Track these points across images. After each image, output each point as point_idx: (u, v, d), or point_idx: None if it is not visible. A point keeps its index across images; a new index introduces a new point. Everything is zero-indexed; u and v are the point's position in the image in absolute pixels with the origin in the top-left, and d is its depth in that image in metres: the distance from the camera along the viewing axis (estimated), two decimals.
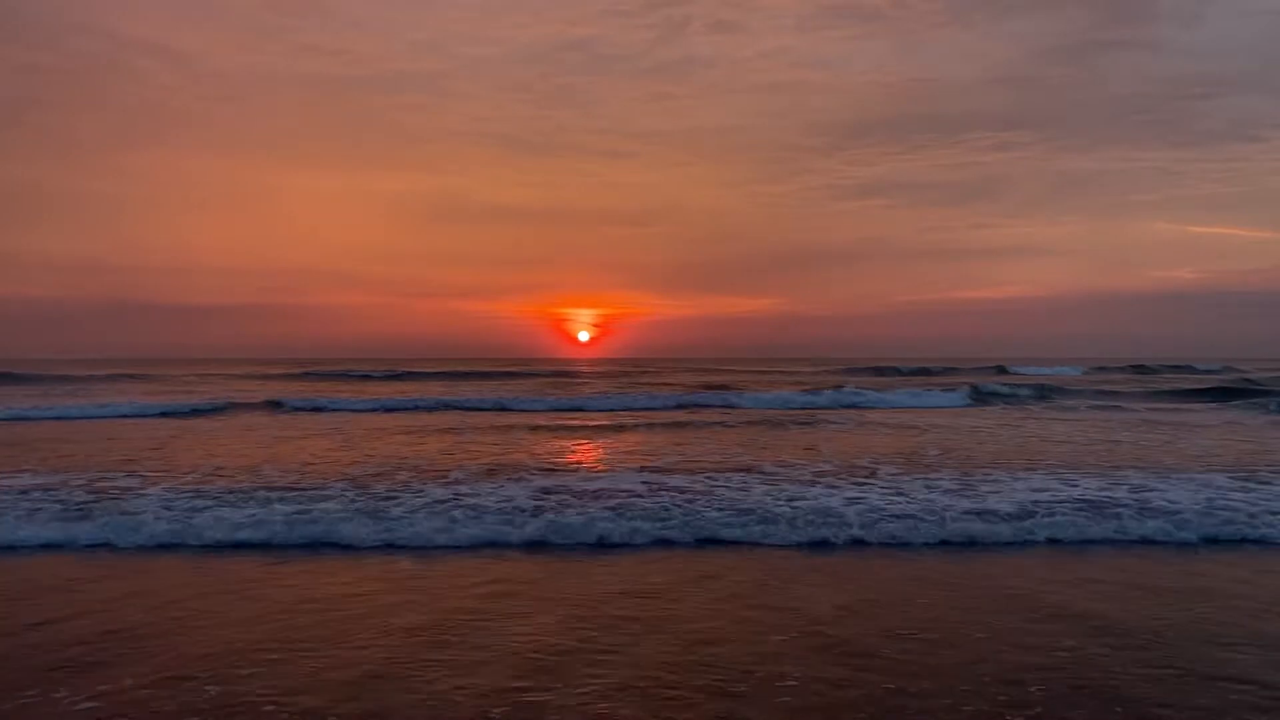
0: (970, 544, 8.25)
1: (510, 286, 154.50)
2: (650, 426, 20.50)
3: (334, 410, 25.84)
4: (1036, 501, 9.68)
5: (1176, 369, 62.77)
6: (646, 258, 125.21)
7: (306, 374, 51.91)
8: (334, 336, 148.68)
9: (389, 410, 25.61)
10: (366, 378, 46.88)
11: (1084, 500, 9.77)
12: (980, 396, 30.90)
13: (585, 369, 65.67)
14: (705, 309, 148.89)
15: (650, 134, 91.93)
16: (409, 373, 51.10)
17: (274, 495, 10.02)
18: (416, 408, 26.74)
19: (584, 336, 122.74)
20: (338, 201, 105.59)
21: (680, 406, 28.10)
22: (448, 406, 27.29)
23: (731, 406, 28.26)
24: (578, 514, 8.95)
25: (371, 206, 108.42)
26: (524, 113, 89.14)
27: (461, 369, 58.78)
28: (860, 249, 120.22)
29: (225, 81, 79.51)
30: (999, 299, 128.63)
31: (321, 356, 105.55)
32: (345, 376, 48.13)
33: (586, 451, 15.43)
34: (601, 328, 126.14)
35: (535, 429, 19.73)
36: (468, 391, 33.84)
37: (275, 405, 26.92)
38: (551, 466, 12.93)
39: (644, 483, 11.09)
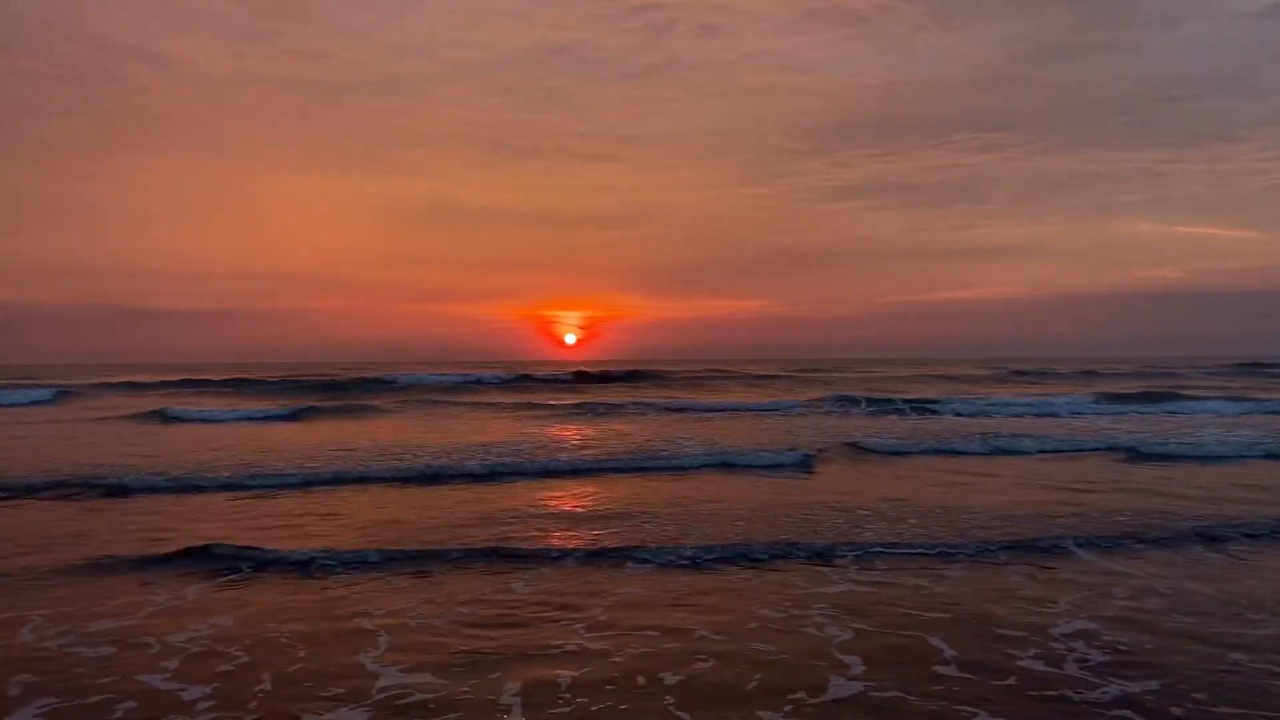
0: None
1: (497, 290, 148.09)
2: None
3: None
4: None
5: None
6: (633, 260, 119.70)
7: (188, 380, 43.52)
8: (318, 342, 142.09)
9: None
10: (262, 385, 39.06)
11: None
12: None
13: (545, 374, 57.22)
14: (693, 311, 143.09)
15: (636, 137, 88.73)
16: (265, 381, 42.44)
17: None
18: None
19: (571, 339, 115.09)
20: (323, 205, 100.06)
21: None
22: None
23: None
24: None
25: (357, 210, 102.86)
26: (510, 116, 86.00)
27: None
28: (846, 250, 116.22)
29: (209, 86, 75.81)
30: (984, 299, 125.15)
31: (302, 361, 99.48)
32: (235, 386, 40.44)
33: None
34: (589, 330, 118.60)
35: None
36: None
37: None
38: None
39: None
